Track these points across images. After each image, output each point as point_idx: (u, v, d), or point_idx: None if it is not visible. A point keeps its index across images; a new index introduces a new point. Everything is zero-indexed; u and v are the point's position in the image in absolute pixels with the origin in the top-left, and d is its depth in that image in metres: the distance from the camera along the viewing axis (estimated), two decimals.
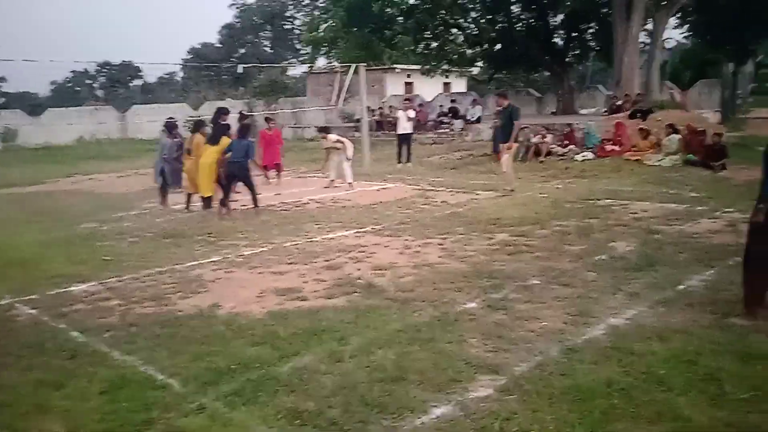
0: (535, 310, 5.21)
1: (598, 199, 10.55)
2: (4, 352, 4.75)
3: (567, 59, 29.38)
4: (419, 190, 12.70)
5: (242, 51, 61.75)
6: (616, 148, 15.72)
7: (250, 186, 10.55)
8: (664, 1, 21.83)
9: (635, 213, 9.28)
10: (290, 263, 7.18)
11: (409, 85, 36.21)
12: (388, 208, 10.71)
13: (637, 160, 14.73)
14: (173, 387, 4.03)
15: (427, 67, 28.89)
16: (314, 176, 15.26)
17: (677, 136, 14.58)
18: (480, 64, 32.13)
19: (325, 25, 27.41)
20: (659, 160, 14.32)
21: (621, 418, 3.43)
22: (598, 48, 28.93)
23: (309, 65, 35.23)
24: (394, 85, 35.25)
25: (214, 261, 7.45)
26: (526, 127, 16.02)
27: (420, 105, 27.91)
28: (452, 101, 28.63)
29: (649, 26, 22.58)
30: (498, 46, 29.11)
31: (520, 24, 28.87)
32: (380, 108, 28.81)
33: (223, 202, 10.52)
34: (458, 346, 4.50)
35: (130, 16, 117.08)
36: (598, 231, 8.16)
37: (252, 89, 34.85)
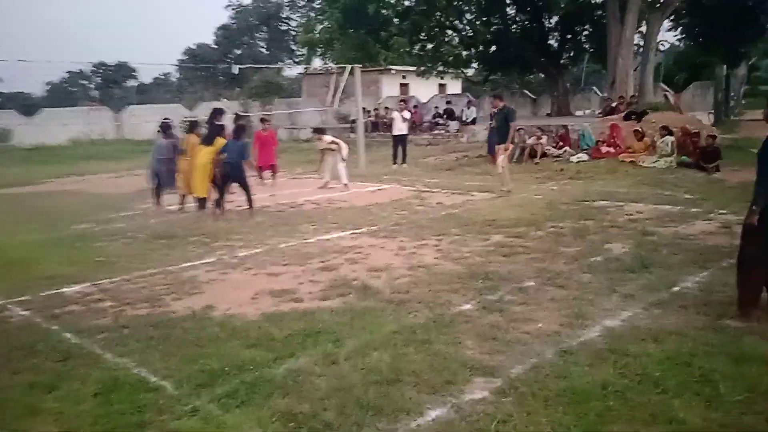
0: (531, 312, 5.21)
1: (593, 201, 10.57)
2: None
3: (562, 61, 29.46)
4: (415, 191, 12.70)
5: (238, 52, 61.56)
6: (611, 149, 15.76)
7: (245, 187, 10.53)
8: (657, 3, 21.92)
9: (630, 214, 9.30)
10: (285, 265, 7.16)
11: (404, 86, 36.27)
12: (384, 209, 10.70)
13: (631, 161, 14.76)
14: (167, 389, 4.01)
15: (423, 68, 28.91)
16: (310, 177, 15.25)
17: (671, 138, 14.62)
18: (475, 65, 32.17)
19: (321, 26, 27.37)
20: (654, 162, 14.36)
21: (616, 420, 3.43)
22: (592, 50, 29.00)
23: (304, 66, 35.20)
24: (389, 87, 35.31)
25: (208, 262, 7.43)
26: (521, 129, 16.05)
27: (415, 106, 27.96)
28: (447, 102, 28.71)
29: (643, 28, 22.66)
30: (493, 48, 29.16)
31: (515, 26, 28.93)
32: (376, 109, 28.83)
33: (218, 203, 10.50)
34: (454, 348, 4.49)
35: (125, 16, 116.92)
36: (593, 232, 8.17)
37: (247, 90, 34.81)
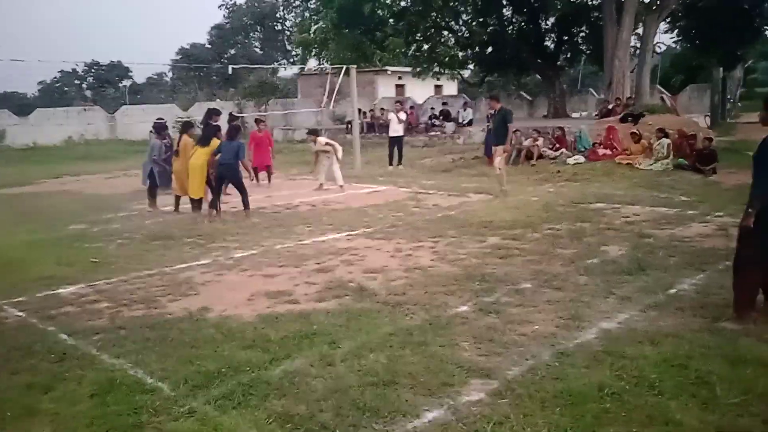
0: (527, 314, 5.21)
1: (590, 203, 10.58)
2: None
3: (558, 62, 29.55)
4: (411, 192, 12.70)
5: (232, 52, 61.50)
6: (608, 151, 15.77)
7: (241, 188, 10.50)
8: (654, 5, 21.97)
9: (627, 217, 9.32)
10: (281, 266, 7.15)
11: (400, 87, 36.26)
12: (380, 210, 10.69)
13: (628, 164, 14.78)
14: (163, 390, 4.00)
15: (419, 69, 28.93)
16: (305, 178, 15.23)
17: (668, 141, 14.65)
18: (471, 66, 32.22)
19: (316, 26, 27.32)
20: (650, 164, 14.39)
21: (613, 422, 3.44)
22: (589, 51, 29.11)
23: (300, 66, 35.16)
24: (385, 87, 35.29)
25: (203, 263, 7.41)
26: (517, 131, 16.06)
27: (411, 107, 27.95)
28: (444, 104, 28.69)
29: (640, 30, 22.72)
30: (489, 49, 29.24)
31: (512, 27, 29.00)
32: (371, 110, 28.82)
33: (213, 204, 10.47)
34: (450, 350, 4.49)
35: (119, 15, 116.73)
36: (590, 235, 8.18)
37: (242, 90, 34.79)
